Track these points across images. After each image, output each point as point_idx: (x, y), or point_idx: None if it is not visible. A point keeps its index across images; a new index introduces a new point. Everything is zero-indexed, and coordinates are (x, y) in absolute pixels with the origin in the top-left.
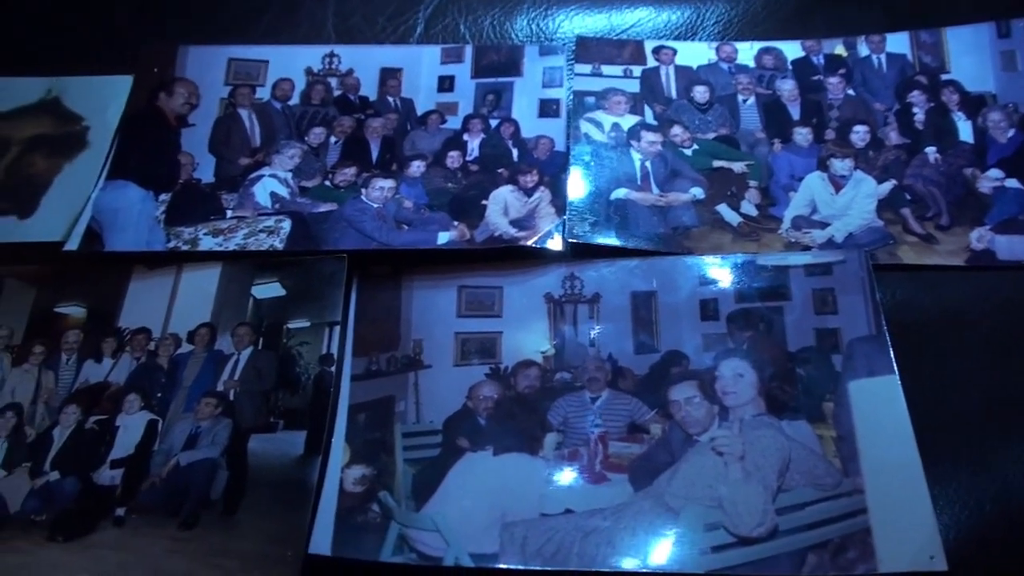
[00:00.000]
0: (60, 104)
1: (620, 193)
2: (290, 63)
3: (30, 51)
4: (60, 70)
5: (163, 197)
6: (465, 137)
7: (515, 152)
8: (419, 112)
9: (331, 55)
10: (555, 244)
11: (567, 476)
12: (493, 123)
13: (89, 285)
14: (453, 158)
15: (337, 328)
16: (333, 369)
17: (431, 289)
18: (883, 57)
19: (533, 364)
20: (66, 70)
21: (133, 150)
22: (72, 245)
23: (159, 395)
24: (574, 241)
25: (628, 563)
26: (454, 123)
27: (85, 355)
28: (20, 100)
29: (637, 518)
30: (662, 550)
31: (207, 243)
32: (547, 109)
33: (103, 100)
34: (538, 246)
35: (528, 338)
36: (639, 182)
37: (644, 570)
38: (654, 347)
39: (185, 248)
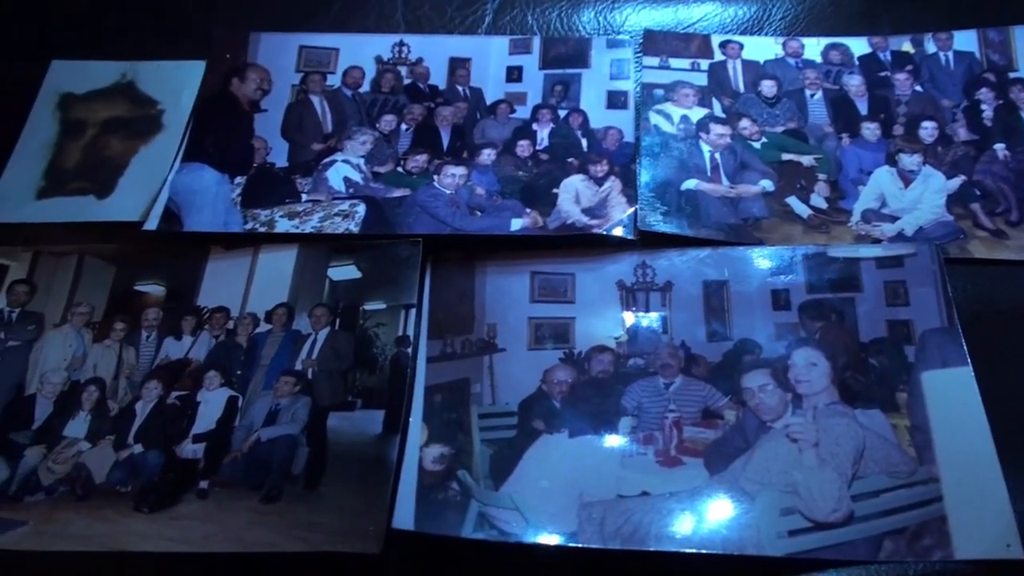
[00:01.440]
0: (134, 88)
1: (690, 184)
2: (360, 51)
3: (102, 35)
4: (132, 55)
5: (238, 180)
6: (534, 127)
7: (584, 142)
8: (488, 101)
9: (400, 44)
10: (627, 232)
11: (643, 459)
12: (562, 113)
13: (167, 264)
14: (523, 147)
15: (413, 311)
16: (409, 351)
17: (504, 275)
18: (950, 54)
19: (606, 349)
20: (138, 55)
21: (207, 134)
22: (151, 225)
23: (238, 372)
24: (646, 230)
25: (706, 545)
26: (523, 113)
27: (165, 332)
28: (95, 83)
29: (713, 501)
30: (739, 533)
31: (283, 225)
32: (615, 100)
33: (176, 84)
34: (610, 234)
35: (601, 324)
36: (709, 173)
37: (722, 552)
38: (726, 335)
39: (262, 230)
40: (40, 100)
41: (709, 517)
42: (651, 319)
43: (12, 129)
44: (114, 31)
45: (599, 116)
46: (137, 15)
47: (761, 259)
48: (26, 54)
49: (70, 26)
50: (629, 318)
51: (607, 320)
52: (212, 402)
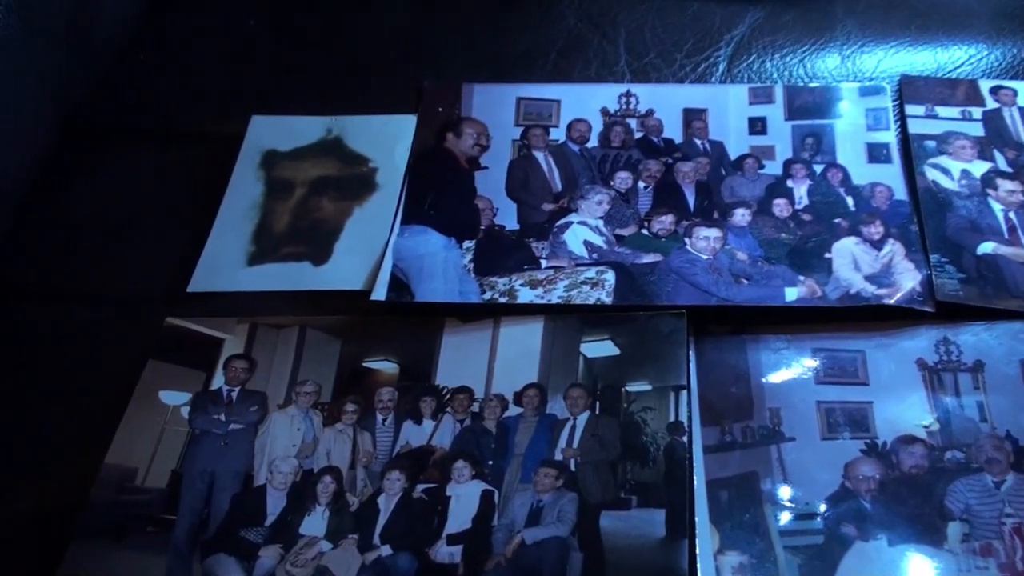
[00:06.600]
0: (342, 144)
1: (987, 247)
2: (584, 103)
3: (303, 88)
4: (333, 109)
5: (467, 244)
6: (789, 183)
7: (849, 200)
8: (732, 156)
9: (627, 94)
10: (923, 304)
11: (984, 574)
12: (817, 168)
13: (397, 338)
14: (780, 206)
15: (683, 392)
16: (685, 439)
17: (781, 351)
18: None
19: (916, 440)
20: (339, 109)
21: (426, 193)
22: (379, 295)
23: (490, 463)
24: (945, 300)
25: None
26: (772, 168)
27: (403, 415)
28: (299, 140)
29: None
30: None
31: (525, 295)
32: (876, 154)
33: (387, 140)
34: (905, 306)
35: (904, 410)
36: (1006, 235)
37: None
38: None
39: (503, 300)
40: (242, 158)
41: None
42: (964, 405)
43: (214, 188)
44: (313, 84)
45: (861, 171)
46: (337, 67)
47: None
48: (224, 109)
49: (267, 79)
50: (937, 403)
51: (911, 405)
52: (464, 497)
